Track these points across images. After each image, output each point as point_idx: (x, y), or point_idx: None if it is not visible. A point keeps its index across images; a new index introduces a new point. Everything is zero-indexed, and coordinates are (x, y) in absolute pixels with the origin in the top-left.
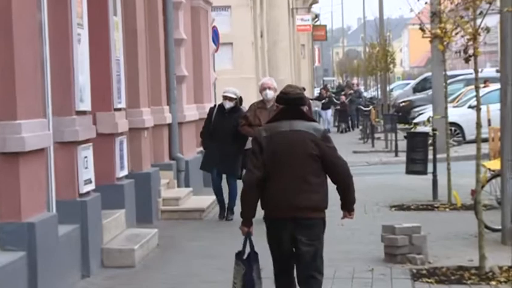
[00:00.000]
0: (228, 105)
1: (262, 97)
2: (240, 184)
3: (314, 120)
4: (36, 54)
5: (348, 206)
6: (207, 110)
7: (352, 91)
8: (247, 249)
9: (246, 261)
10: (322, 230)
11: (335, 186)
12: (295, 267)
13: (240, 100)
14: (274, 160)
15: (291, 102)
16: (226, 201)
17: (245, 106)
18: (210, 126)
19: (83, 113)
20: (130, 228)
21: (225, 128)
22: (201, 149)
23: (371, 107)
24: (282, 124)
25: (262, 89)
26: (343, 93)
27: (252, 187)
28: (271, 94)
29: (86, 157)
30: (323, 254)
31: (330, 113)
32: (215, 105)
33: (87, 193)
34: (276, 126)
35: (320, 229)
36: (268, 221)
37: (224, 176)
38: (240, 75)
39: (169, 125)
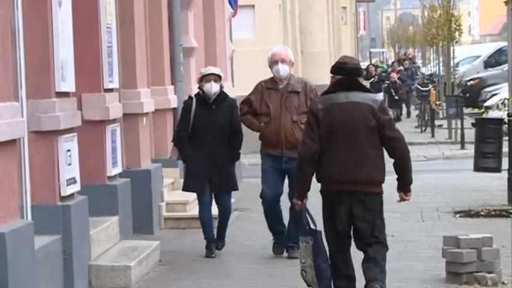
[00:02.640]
0: (215, 88)
1: (272, 73)
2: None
3: (370, 91)
4: (5, 20)
5: (403, 186)
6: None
7: (401, 67)
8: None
9: (310, 231)
10: (381, 205)
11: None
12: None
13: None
14: (331, 132)
15: (350, 73)
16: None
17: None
18: (189, 128)
19: (65, 94)
20: (125, 240)
21: (212, 127)
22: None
23: (430, 86)
24: (338, 95)
25: (273, 62)
26: (390, 69)
27: (309, 161)
28: (285, 70)
29: (69, 150)
30: (384, 229)
31: (381, 96)
32: (191, 97)
33: (71, 196)
34: (332, 97)
35: (378, 204)
36: (324, 193)
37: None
38: (263, 46)
39: (174, 109)
